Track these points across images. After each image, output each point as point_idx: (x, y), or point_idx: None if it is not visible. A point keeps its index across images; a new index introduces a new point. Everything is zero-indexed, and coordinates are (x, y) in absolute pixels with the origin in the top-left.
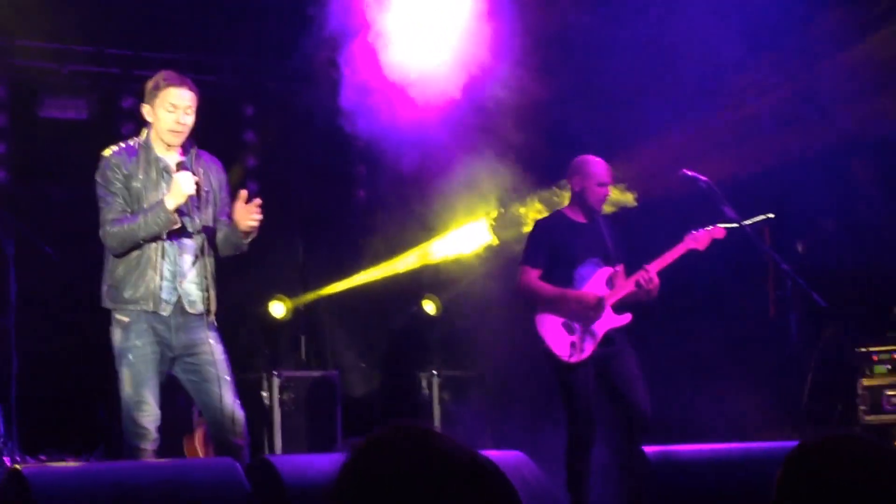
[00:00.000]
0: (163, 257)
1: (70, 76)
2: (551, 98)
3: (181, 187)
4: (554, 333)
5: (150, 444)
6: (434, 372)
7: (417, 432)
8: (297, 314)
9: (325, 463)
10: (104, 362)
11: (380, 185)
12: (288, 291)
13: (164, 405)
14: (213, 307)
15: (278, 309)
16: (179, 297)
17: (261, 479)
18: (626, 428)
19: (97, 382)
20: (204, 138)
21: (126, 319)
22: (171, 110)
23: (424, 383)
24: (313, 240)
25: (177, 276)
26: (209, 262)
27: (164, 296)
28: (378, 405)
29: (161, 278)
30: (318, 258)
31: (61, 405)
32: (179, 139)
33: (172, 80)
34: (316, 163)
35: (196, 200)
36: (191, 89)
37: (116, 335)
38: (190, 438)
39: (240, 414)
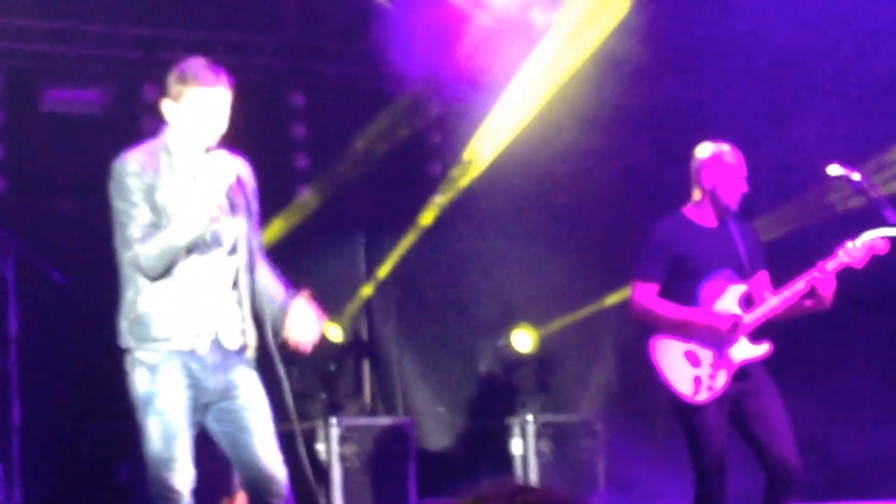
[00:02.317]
0: (196, 283)
1: (78, 62)
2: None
3: (221, 173)
4: (674, 364)
5: None
6: (529, 418)
7: (510, 492)
8: (358, 345)
9: None
10: (125, 413)
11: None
12: (343, 313)
13: (199, 462)
14: (252, 341)
15: (335, 333)
16: (216, 332)
17: None
18: (768, 482)
19: (116, 437)
20: (243, 134)
21: (154, 360)
22: (203, 115)
23: (517, 431)
24: (377, 252)
25: (211, 306)
26: (247, 287)
27: (201, 330)
28: (460, 459)
29: (196, 309)
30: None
31: (73, 464)
32: (214, 142)
33: (204, 78)
34: (380, 162)
35: (230, 211)
36: (227, 87)
37: (141, 378)
38: (230, 501)
39: (282, 472)
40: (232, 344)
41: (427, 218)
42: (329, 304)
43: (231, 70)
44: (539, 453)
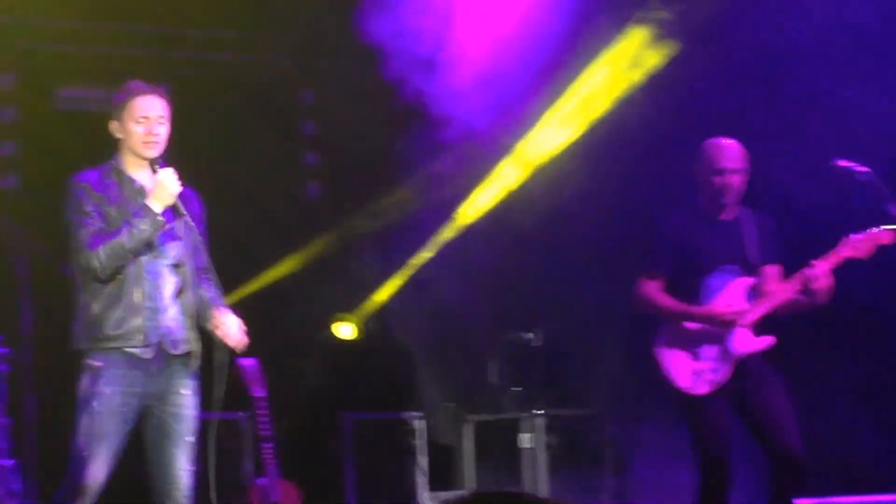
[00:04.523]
0: (141, 290)
1: (93, 60)
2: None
3: (166, 185)
4: (675, 358)
5: None
6: (538, 412)
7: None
8: (369, 341)
9: None
10: None
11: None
12: (357, 311)
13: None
14: (195, 349)
15: (346, 330)
16: (160, 338)
17: None
18: (774, 475)
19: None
20: (254, 131)
21: (99, 364)
22: (142, 121)
23: (526, 426)
24: (389, 250)
25: (157, 312)
26: (191, 297)
27: (146, 336)
28: (470, 453)
29: (142, 315)
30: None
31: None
32: (154, 150)
33: (139, 89)
34: (390, 160)
35: (173, 225)
36: (161, 97)
37: (86, 380)
38: (244, 495)
39: (185, 483)
40: (177, 349)
41: (447, 233)
42: (344, 302)
43: (243, 68)
44: (548, 447)
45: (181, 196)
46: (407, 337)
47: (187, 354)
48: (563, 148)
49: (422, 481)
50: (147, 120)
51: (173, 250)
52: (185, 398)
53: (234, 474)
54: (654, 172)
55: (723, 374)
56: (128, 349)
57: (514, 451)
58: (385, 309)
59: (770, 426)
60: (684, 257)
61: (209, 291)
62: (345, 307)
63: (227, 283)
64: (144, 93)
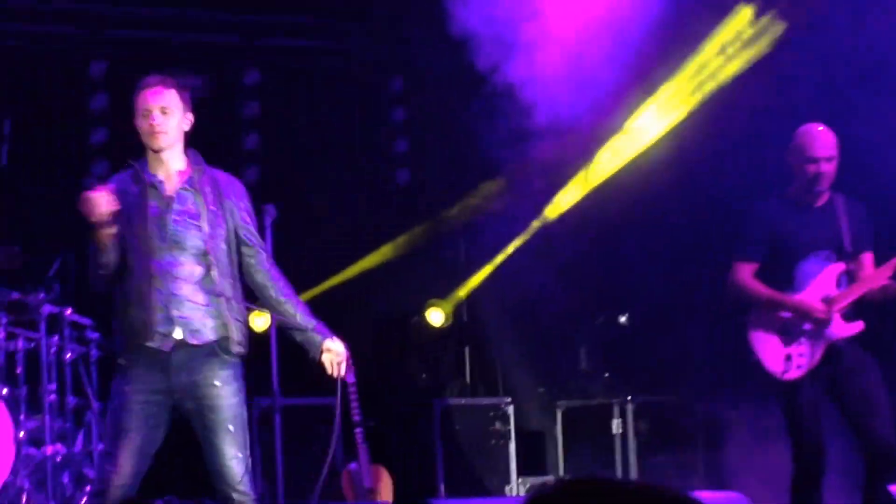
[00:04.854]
0: (154, 284)
1: (180, 48)
2: None
3: (90, 209)
4: (767, 343)
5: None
6: (628, 398)
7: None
8: (459, 326)
9: None
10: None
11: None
12: (447, 297)
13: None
14: (233, 335)
15: (436, 316)
16: (178, 328)
17: None
18: (868, 461)
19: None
20: (345, 119)
21: (123, 363)
22: (146, 115)
23: (616, 412)
24: (480, 237)
25: (174, 303)
26: (221, 285)
27: (160, 328)
28: (560, 439)
29: (153, 308)
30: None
31: (182, 442)
32: (161, 141)
33: (144, 83)
34: (480, 147)
35: (193, 217)
36: (167, 86)
37: (115, 379)
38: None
39: (235, 472)
40: (197, 338)
41: (539, 220)
42: (435, 288)
43: (331, 54)
44: (638, 432)
45: (216, 182)
46: (497, 323)
47: (214, 343)
48: (657, 137)
49: (511, 467)
50: (149, 112)
51: (193, 240)
52: (218, 388)
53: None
54: (745, 160)
55: (814, 358)
56: (147, 344)
57: (604, 437)
58: (476, 295)
59: (864, 413)
60: (777, 243)
61: (281, 289)
62: (436, 293)
63: (320, 270)
64: (149, 86)
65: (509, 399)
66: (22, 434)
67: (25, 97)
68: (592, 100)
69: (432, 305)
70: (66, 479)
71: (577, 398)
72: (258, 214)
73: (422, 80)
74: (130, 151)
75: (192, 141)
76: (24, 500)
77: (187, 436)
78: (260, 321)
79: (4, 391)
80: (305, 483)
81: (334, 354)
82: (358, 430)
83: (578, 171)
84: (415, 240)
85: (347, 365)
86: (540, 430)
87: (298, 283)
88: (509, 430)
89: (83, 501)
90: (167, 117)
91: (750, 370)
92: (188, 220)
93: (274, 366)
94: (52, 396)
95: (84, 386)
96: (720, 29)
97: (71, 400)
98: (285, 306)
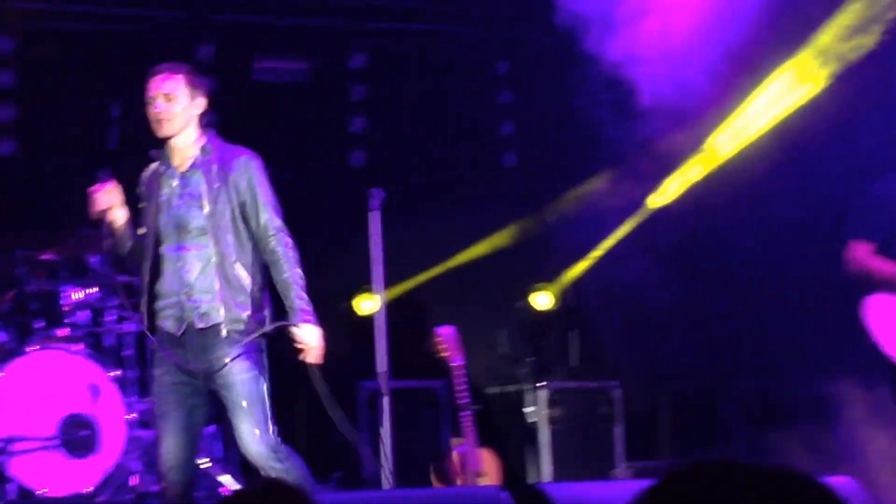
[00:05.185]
0: (163, 269)
1: (288, 31)
2: None
3: (95, 204)
4: (887, 324)
5: (163, 488)
6: (734, 383)
7: (727, 470)
8: (566, 310)
9: (603, 492)
10: (340, 374)
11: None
12: (552, 278)
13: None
14: (240, 315)
15: (543, 300)
16: (188, 312)
17: None
18: None
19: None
20: (453, 101)
21: (153, 347)
22: (150, 102)
23: (723, 396)
24: (587, 222)
25: (184, 286)
26: (230, 267)
27: (172, 312)
28: (668, 423)
29: (165, 293)
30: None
31: (287, 426)
32: (164, 129)
33: (151, 72)
34: (585, 128)
35: (195, 198)
36: (173, 73)
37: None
38: (439, 466)
39: (257, 450)
40: (206, 321)
41: (645, 206)
42: (540, 271)
43: (437, 37)
44: (745, 416)
45: (224, 159)
46: (603, 306)
47: (221, 324)
48: (770, 124)
49: (618, 451)
50: (152, 100)
51: (196, 220)
52: (229, 367)
53: (432, 442)
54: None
55: None
56: (165, 328)
57: (711, 421)
58: (582, 279)
59: None
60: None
61: (281, 268)
62: (542, 277)
63: (427, 254)
64: (153, 74)
65: (616, 382)
66: (132, 416)
67: (134, 80)
68: (702, 83)
69: (539, 289)
70: None
71: (684, 382)
72: (364, 199)
73: (528, 62)
74: (236, 133)
75: (299, 124)
76: (134, 481)
77: (291, 421)
78: (367, 304)
79: (115, 373)
80: (413, 466)
81: (300, 341)
82: (465, 413)
83: (687, 156)
84: (521, 223)
85: (455, 348)
86: (647, 413)
87: (406, 266)
88: (616, 414)
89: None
90: (171, 104)
91: (863, 351)
92: (190, 200)
93: (382, 349)
94: None
95: None
96: (839, 13)
97: None
98: (282, 285)
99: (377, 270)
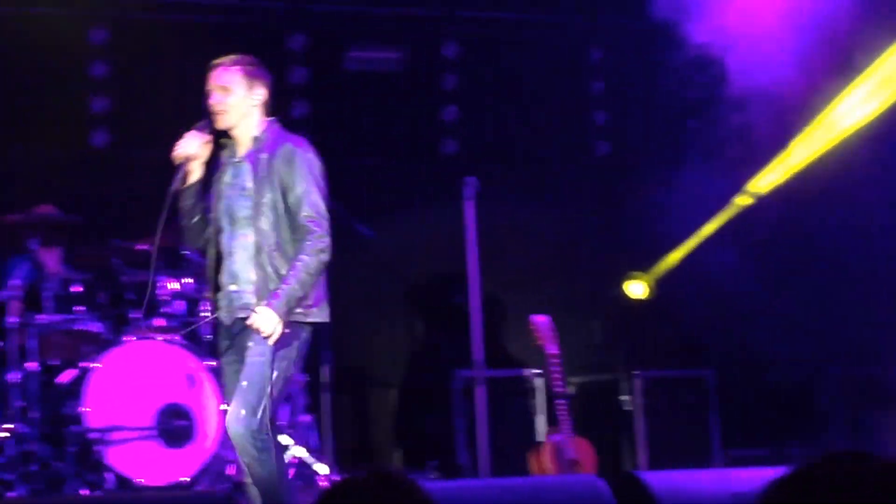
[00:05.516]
0: (218, 256)
1: (381, 21)
2: None
3: (179, 146)
4: None
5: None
6: (833, 372)
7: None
8: (660, 299)
9: (701, 480)
10: (435, 364)
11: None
12: (647, 267)
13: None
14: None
15: (637, 289)
16: (234, 303)
17: (629, 496)
18: None
19: (424, 387)
20: (545, 89)
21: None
22: (209, 93)
23: (820, 385)
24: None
25: (231, 276)
26: (269, 257)
27: (223, 303)
28: (764, 412)
29: (222, 283)
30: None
31: (382, 415)
32: (221, 120)
33: (212, 64)
34: (678, 116)
35: (243, 188)
36: (228, 67)
37: None
38: (536, 454)
39: (235, 429)
40: (246, 312)
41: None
42: (633, 259)
43: (530, 26)
44: (843, 404)
45: (276, 150)
46: (698, 296)
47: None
48: (866, 119)
49: (713, 440)
50: (210, 91)
51: (243, 210)
52: (249, 348)
53: (527, 431)
54: None
55: None
56: (220, 319)
57: (808, 410)
58: (677, 268)
59: None
60: None
61: (297, 254)
62: (635, 266)
63: (519, 241)
64: (213, 66)
65: (711, 371)
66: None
67: None
68: (795, 74)
69: (633, 277)
70: None
71: (779, 371)
72: (458, 187)
73: (621, 50)
74: (329, 123)
75: (391, 113)
76: (231, 471)
77: (386, 410)
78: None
79: (211, 363)
80: (508, 454)
81: (251, 322)
82: (560, 401)
83: (782, 146)
84: (617, 211)
85: (550, 336)
86: (742, 402)
87: (495, 254)
88: (711, 402)
89: (290, 473)
90: (227, 95)
91: None
92: (240, 191)
93: (477, 338)
94: None
95: None
96: None
97: None
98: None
99: (472, 259)
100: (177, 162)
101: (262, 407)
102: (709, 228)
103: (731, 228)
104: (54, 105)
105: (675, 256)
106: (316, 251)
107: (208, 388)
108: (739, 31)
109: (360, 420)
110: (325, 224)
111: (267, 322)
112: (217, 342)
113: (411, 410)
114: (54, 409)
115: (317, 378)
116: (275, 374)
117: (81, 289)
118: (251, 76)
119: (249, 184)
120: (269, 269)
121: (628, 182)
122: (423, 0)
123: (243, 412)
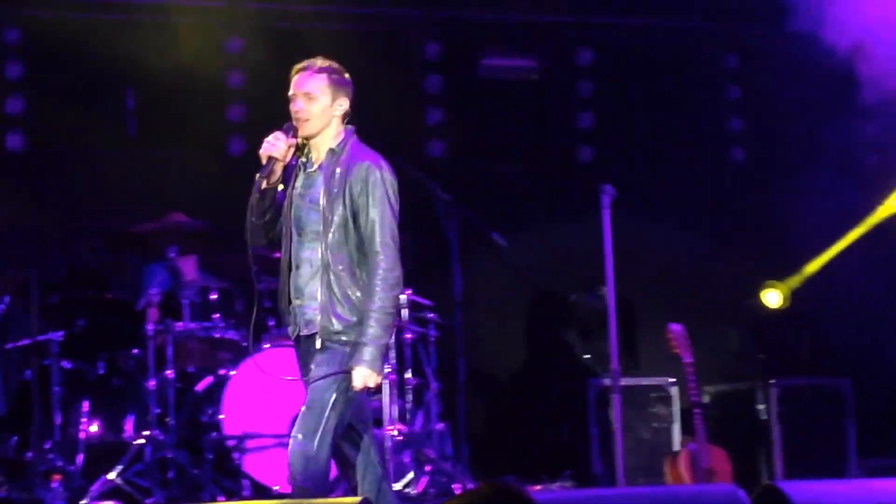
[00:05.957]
0: (287, 273)
1: (516, 28)
2: None
3: (264, 145)
4: None
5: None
6: None
7: None
8: (797, 305)
9: (842, 491)
10: (569, 372)
11: None
12: (781, 276)
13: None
14: (333, 326)
15: (773, 298)
16: (300, 319)
17: None
18: None
19: (560, 397)
20: (680, 96)
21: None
22: (292, 99)
23: None
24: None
25: (297, 293)
26: (336, 276)
27: (290, 317)
28: None
29: (289, 297)
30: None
31: (516, 423)
32: (303, 128)
33: (294, 69)
34: (814, 124)
35: (314, 201)
36: (315, 72)
37: None
38: (673, 461)
39: (291, 450)
40: (309, 329)
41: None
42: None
43: (664, 32)
44: None
45: (350, 164)
46: (835, 305)
47: (315, 335)
48: None
49: (850, 448)
50: (294, 97)
51: (312, 225)
52: (311, 371)
53: (663, 440)
54: None
55: None
56: (288, 333)
57: None
58: (813, 277)
59: None
60: None
61: (369, 292)
62: (770, 275)
63: (656, 250)
64: (296, 71)
65: (848, 380)
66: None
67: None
68: None
69: (769, 286)
70: (406, 458)
71: None
72: (594, 195)
73: (756, 57)
74: (463, 131)
75: (527, 120)
76: None
77: (519, 418)
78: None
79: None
80: (643, 463)
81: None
82: (696, 410)
83: None
84: (750, 219)
85: (685, 345)
86: (880, 411)
87: (630, 262)
88: (848, 411)
89: (424, 481)
90: (311, 104)
91: None
92: (310, 203)
93: (613, 346)
94: (392, 377)
95: (423, 366)
96: None
97: (410, 380)
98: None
99: (609, 266)
100: (263, 161)
101: (319, 432)
102: (849, 237)
103: (868, 237)
104: (193, 114)
105: (813, 266)
106: (389, 287)
107: None
108: (876, 39)
109: (494, 428)
110: (397, 254)
111: (366, 380)
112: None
113: (546, 419)
114: (191, 416)
115: (451, 386)
116: (333, 396)
117: (218, 296)
118: (337, 85)
119: (321, 198)
120: (336, 290)
121: (764, 189)
122: (556, 7)
123: (300, 436)
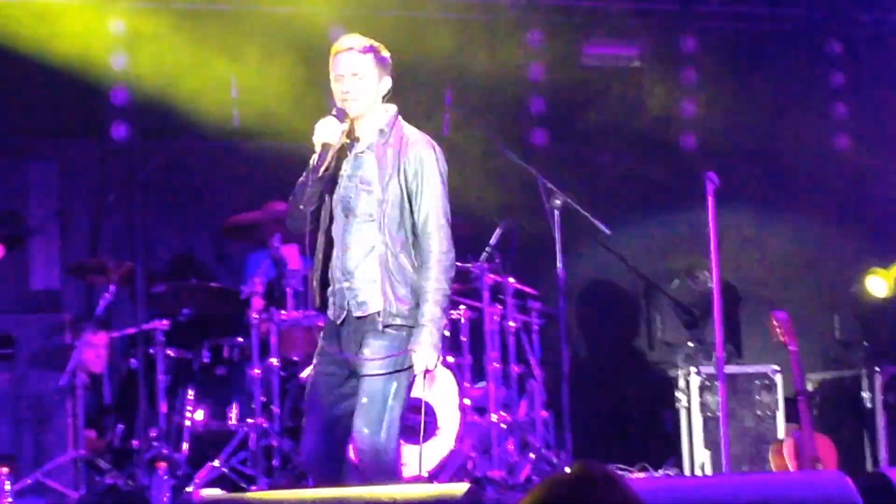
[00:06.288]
0: (329, 253)
1: (617, 15)
2: None
3: (316, 131)
4: None
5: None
6: None
7: None
8: None
9: None
10: (671, 360)
11: None
12: (886, 263)
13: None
14: (391, 308)
15: (878, 285)
16: (348, 300)
17: (877, 495)
18: None
19: (661, 386)
20: (783, 83)
21: (321, 334)
22: (339, 79)
23: None
24: None
25: (344, 274)
26: (393, 257)
27: (334, 299)
28: None
29: (328, 277)
30: None
31: (619, 412)
32: (352, 108)
33: (338, 47)
34: None
35: (365, 182)
36: (361, 51)
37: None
38: (777, 448)
39: (359, 446)
40: (362, 310)
41: None
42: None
43: (767, 19)
44: None
45: (401, 145)
46: None
47: (376, 314)
48: None
49: None
50: (342, 78)
51: (364, 206)
52: (366, 357)
53: (768, 427)
54: None
55: None
56: (329, 316)
57: None
58: None
59: None
60: None
61: (424, 273)
62: (875, 261)
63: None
64: (341, 50)
65: None
66: (467, 402)
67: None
68: None
69: (874, 273)
70: (510, 446)
71: None
72: (698, 182)
73: (861, 43)
74: (566, 119)
75: (630, 108)
76: (470, 466)
77: (622, 406)
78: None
79: (450, 359)
80: (748, 450)
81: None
82: (801, 398)
83: None
84: (855, 206)
85: (790, 332)
86: None
87: (734, 249)
88: None
89: (527, 469)
90: (360, 82)
91: None
92: (360, 184)
93: (718, 334)
94: (496, 365)
95: (526, 354)
96: None
97: (514, 368)
98: (420, 291)
99: (714, 254)
100: (316, 148)
101: (385, 423)
102: None
103: None
104: (295, 101)
105: None
106: (445, 269)
107: (447, 384)
108: None
109: (598, 416)
110: (449, 237)
111: (428, 362)
112: (322, 341)
113: (649, 407)
114: (296, 405)
115: (554, 374)
116: (395, 385)
117: None
118: (382, 64)
119: (373, 178)
120: (394, 269)
121: (868, 176)
122: None
123: (366, 430)
